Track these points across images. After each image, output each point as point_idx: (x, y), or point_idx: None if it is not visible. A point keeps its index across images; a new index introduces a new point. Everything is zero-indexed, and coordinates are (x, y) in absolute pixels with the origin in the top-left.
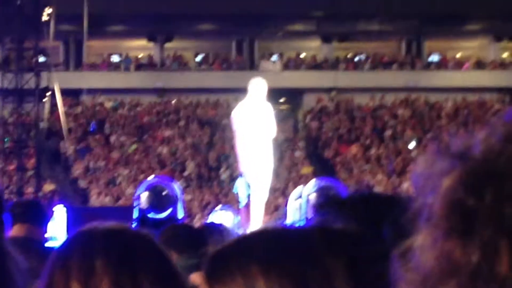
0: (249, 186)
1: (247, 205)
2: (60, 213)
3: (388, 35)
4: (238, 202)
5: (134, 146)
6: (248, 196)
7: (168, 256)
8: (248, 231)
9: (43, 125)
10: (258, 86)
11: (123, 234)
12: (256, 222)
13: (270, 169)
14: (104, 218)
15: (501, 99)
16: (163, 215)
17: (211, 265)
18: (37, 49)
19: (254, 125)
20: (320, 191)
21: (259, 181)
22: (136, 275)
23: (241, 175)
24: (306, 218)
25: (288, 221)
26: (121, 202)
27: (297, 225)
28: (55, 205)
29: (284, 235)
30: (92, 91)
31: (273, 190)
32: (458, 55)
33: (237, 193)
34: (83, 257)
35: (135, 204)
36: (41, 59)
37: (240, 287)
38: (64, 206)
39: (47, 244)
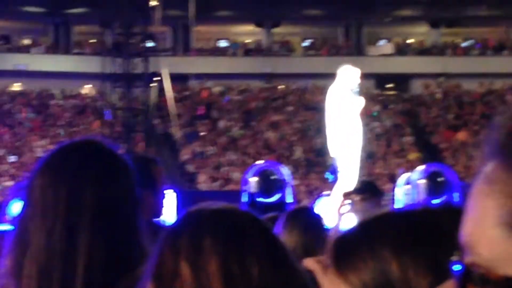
0: (336, 172)
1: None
2: (170, 197)
3: (496, 20)
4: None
5: (241, 131)
6: (335, 181)
7: (278, 238)
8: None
9: (151, 110)
10: (348, 73)
11: (232, 214)
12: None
13: (358, 155)
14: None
15: None
16: (272, 199)
17: (339, 251)
18: (145, 35)
19: (344, 110)
20: (429, 176)
21: (347, 167)
22: (244, 255)
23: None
24: (416, 203)
25: (397, 206)
26: (228, 187)
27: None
28: (164, 189)
29: (412, 216)
30: (199, 76)
31: (380, 176)
32: None
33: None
34: (192, 237)
35: (244, 188)
36: (149, 44)
37: (371, 272)
38: (174, 190)
39: None
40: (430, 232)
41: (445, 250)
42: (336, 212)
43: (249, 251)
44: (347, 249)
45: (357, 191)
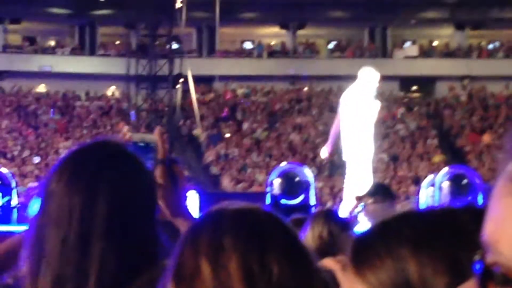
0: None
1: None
2: (193, 198)
3: None
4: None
5: (265, 133)
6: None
7: (298, 237)
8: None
9: (176, 111)
10: (369, 75)
11: (253, 213)
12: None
13: (370, 155)
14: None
15: None
16: (296, 201)
17: (358, 250)
18: (171, 36)
19: (359, 112)
20: (453, 179)
21: (361, 169)
22: (265, 254)
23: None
24: (438, 205)
25: (420, 208)
26: (252, 189)
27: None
28: (188, 190)
29: (431, 216)
30: (224, 78)
31: (405, 178)
32: None
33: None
34: (213, 235)
35: (267, 190)
36: (174, 46)
37: (389, 270)
38: (197, 191)
39: None
40: (448, 231)
41: (463, 249)
42: (349, 215)
43: (270, 250)
44: (365, 248)
45: (370, 194)
